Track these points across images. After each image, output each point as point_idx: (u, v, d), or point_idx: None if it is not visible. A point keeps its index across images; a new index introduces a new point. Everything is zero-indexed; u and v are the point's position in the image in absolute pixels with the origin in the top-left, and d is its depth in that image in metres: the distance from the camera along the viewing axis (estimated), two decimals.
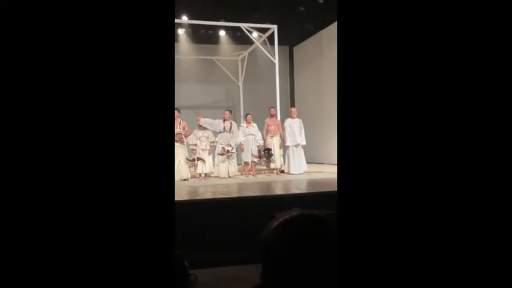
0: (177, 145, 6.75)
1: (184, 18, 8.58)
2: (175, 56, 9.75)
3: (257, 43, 8.62)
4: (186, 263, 1.25)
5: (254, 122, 7.34)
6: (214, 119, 7.19)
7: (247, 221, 4.15)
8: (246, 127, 7.26)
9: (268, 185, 6.12)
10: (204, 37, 9.81)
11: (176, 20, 8.56)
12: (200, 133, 6.93)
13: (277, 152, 7.30)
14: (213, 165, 7.02)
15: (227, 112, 7.21)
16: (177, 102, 8.33)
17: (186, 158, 6.85)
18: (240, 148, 7.16)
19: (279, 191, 5.61)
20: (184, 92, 9.83)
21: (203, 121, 6.96)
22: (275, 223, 0.84)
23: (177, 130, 6.74)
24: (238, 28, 8.46)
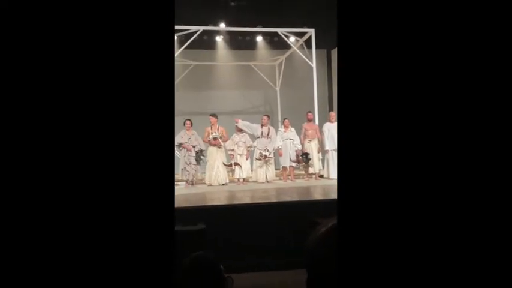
0: (215, 150, 6.83)
1: (222, 26, 8.70)
2: (214, 63, 9.92)
3: (294, 47, 8.59)
4: (222, 267, 1.24)
5: (292, 127, 7.30)
6: (252, 123, 7.22)
7: (286, 226, 4.11)
8: (284, 132, 7.23)
9: (306, 189, 6.05)
10: (241, 43, 9.89)
11: (214, 28, 8.71)
12: (237, 138, 6.97)
13: (315, 156, 7.22)
14: (251, 170, 7.03)
15: (265, 117, 7.22)
16: (215, 108, 8.46)
17: (224, 163, 6.91)
18: (278, 153, 7.14)
19: (318, 196, 5.53)
20: (223, 98, 9.94)
21: (241, 123, 7.00)
22: (322, 229, 0.81)
23: (214, 134, 6.82)
24: (275, 33, 8.47)
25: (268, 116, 7.40)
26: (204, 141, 6.87)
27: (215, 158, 6.79)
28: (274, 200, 5.04)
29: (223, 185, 6.72)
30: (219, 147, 6.87)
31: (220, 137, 6.88)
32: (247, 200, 5.05)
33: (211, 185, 6.66)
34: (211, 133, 6.84)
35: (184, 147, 6.64)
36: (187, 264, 1.30)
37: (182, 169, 6.71)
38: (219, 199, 5.23)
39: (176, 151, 6.95)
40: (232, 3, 8.16)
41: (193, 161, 6.69)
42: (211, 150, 6.85)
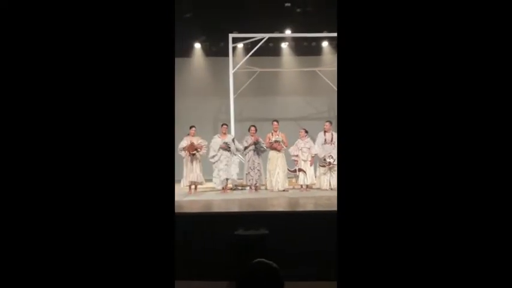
0: (275, 155, 6.83)
1: (288, 32, 8.75)
2: (278, 69, 9.99)
3: None
4: (281, 274, 1.25)
5: None
6: (316, 130, 7.16)
7: None
8: None
9: None
10: (306, 49, 9.86)
11: (279, 34, 8.78)
12: (302, 144, 6.95)
13: None
14: (315, 177, 6.96)
15: (327, 123, 7.12)
16: (280, 114, 8.50)
17: (288, 169, 6.91)
18: None
19: None
20: (287, 103, 9.97)
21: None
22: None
23: (275, 137, 6.85)
24: None
25: (330, 122, 7.28)
26: (266, 146, 6.94)
27: (276, 164, 6.81)
28: None
29: (283, 190, 6.72)
30: (279, 151, 6.87)
31: (282, 141, 6.88)
32: (310, 207, 5.00)
33: (272, 191, 6.69)
34: (272, 138, 6.89)
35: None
36: (248, 269, 1.33)
37: (246, 174, 6.82)
38: (282, 205, 5.24)
39: (240, 156, 7.09)
40: (298, 10, 8.17)
41: (257, 166, 6.78)
42: (272, 156, 6.88)
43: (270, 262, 1.30)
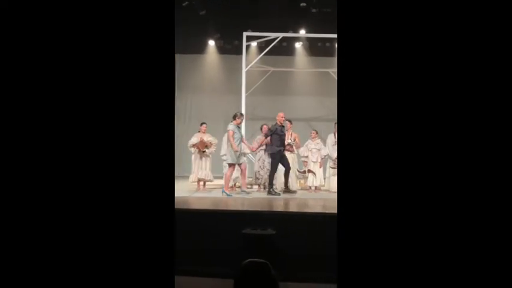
0: (287, 156, 6.81)
1: (302, 32, 8.71)
2: (291, 69, 9.96)
3: None
4: (274, 273, 1.26)
5: None
6: (328, 132, 7.11)
7: None
8: None
9: None
10: (320, 50, 9.82)
11: (293, 34, 8.75)
12: (312, 145, 6.91)
13: None
14: (324, 179, 6.92)
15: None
16: (292, 114, 8.47)
17: (297, 170, 6.88)
18: None
19: None
20: (299, 104, 9.94)
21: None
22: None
23: (289, 141, 6.83)
24: None
25: None
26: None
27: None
28: None
29: (293, 192, 6.68)
30: (292, 152, 6.84)
31: (294, 141, 6.85)
32: (318, 209, 4.97)
33: (282, 191, 6.67)
34: (286, 140, 6.86)
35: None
36: (241, 269, 1.34)
37: (255, 173, 6.81)
38: (290, 205, 5.22)
39: (251, 155, 7.08)
40: (314, 10, 8.13)
41: (267, 165, 6.77)
42: None
43: (261, 260, 1.31)
